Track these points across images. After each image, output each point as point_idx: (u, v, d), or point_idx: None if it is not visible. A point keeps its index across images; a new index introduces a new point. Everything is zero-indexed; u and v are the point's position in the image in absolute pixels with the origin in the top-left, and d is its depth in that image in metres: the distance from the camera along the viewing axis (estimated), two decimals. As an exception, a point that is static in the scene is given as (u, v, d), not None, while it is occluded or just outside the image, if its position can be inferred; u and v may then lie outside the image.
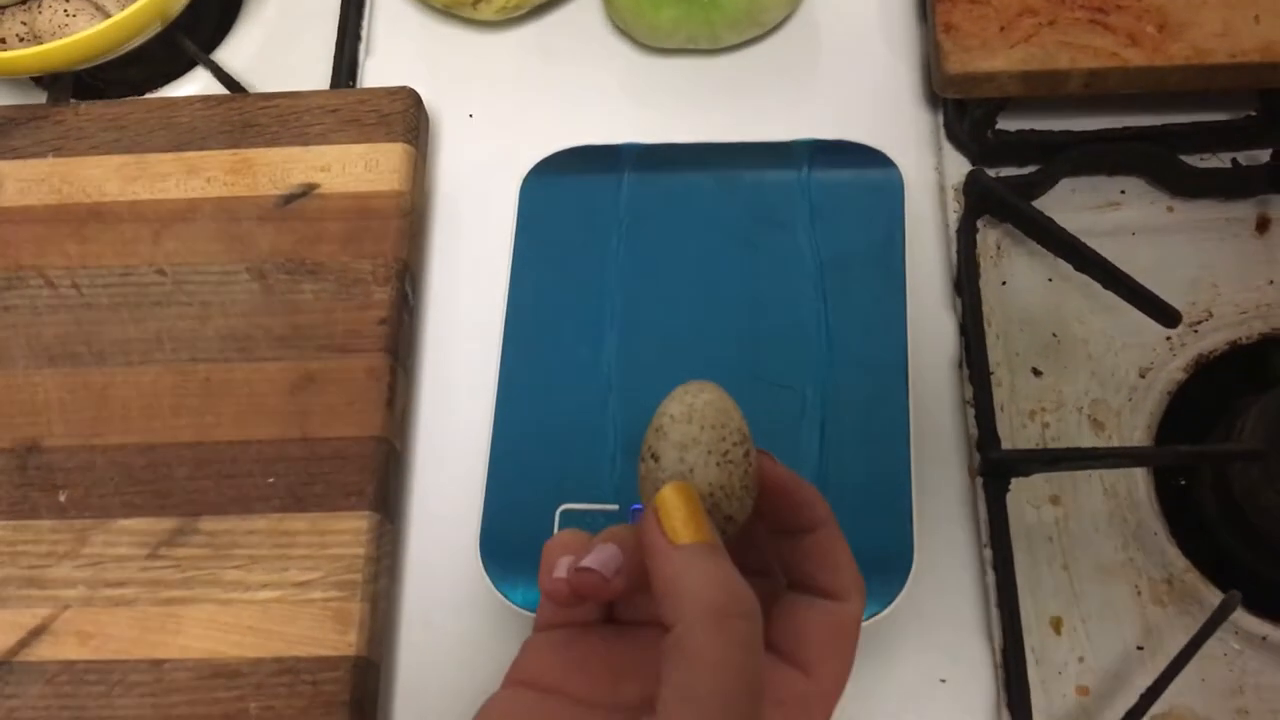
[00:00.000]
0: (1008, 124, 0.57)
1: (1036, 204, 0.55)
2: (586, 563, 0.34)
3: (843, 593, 0.35)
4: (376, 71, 0.63)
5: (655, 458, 0.34)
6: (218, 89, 0.62)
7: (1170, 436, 0.52)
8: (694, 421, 0.34)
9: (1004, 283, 0.55)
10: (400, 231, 0.55)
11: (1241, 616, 0.48)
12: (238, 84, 0.62)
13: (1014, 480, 0.51)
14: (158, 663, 0.48)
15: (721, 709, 0.30)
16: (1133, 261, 0.52)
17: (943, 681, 0.49)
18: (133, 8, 0.57)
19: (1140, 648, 0.49)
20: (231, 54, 0.64)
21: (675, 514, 0.32)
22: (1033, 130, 0.57)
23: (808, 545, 0.36)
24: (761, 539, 0.37)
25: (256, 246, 0.55)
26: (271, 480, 0.50)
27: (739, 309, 0.54)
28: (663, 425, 0.34)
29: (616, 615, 0.38)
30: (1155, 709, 0.46)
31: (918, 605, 0.50)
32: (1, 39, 0.59)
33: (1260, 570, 0.49)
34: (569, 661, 0.36)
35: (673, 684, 0.30)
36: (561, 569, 0.34)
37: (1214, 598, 0.48)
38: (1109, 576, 0.50)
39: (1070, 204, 0.56)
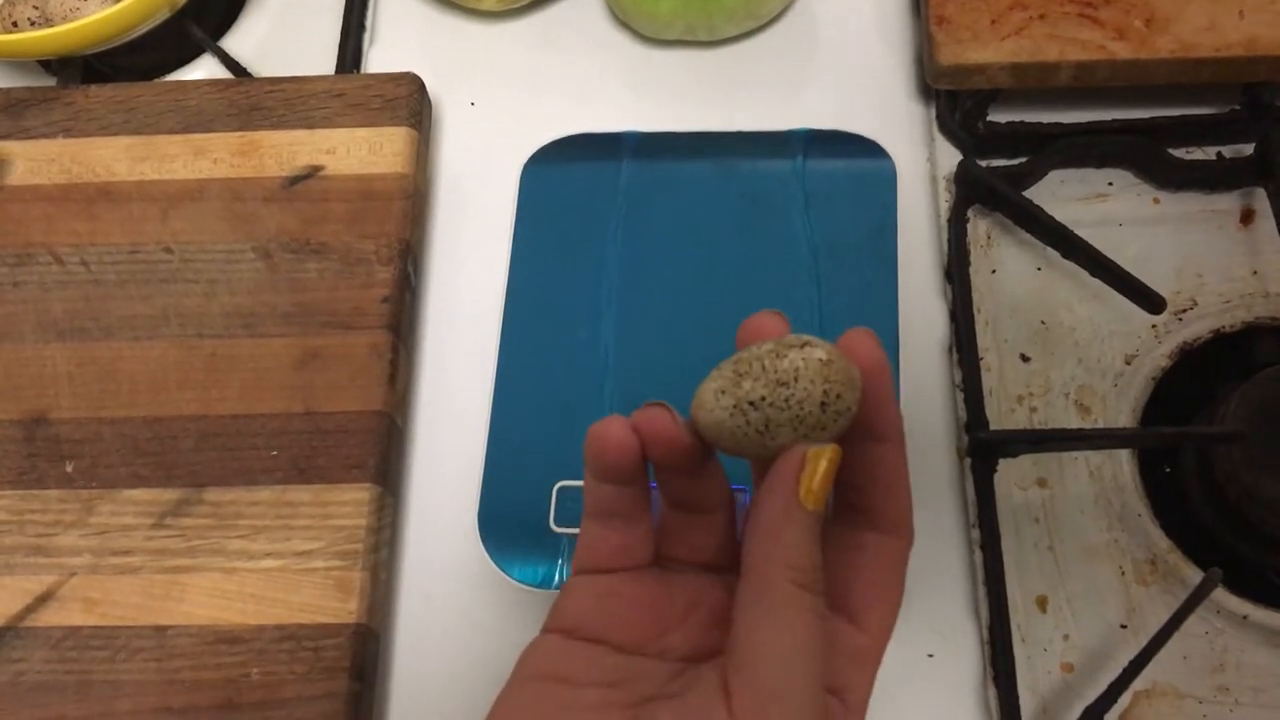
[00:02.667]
0: (998, 116, 0.58)
1: (1026, 195, 0.56)
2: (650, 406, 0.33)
3: (894, 523, 0.34)
4: (380, 61, 0.64)
5: (759, 406, 0.31)
6: (224, 76, 0.63)
7: (1155, 422, 0.53)
8: (804, 393, 0.31)
9: (994, 271, 0.56)
10: (403, 213, 0.56)
11: (1223, 596, 0.49)
12: (244, 71, 0.63)
13: (1001, 462, 0.52)
14: (162, 629, 0.49)
15: (803, 665, 0.30)
16: (1119, 252, 0.54)
17: (930, 656, 0.50)
18: (142, -7, 0.58)
19: (1124, 626, 0.49)
20: (238, 42, 0.65)
21: (819, 478, 0.31)
22: (1023, 122, 0.58)
23: (872, 457, 0.33)
24: None
25: (262, 226, 0.56)
26: (275, 453, 0.51)
27: (734, 293, 0.54)
28: (783, 379, 0.31)
29: (662, 559, 0.36)
30: (1138, 685, 0.47)
31: (907, 583, 0.50)
32: (14, 22, 0.60)
33: (1242, 551, 0.50)
34: (612, 611, 0.35)
35: (752, 635, 0.31)
36: (618, 427, 0.33)
37: (1197, 577, 0.49)
38: (1094, 557, 0.51)
39: (1059, 195, 0.57)
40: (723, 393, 0.31)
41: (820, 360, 0.31)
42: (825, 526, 0.34)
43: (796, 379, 0.31)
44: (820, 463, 0.31)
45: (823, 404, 0.31)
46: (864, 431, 0.33)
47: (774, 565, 0.31)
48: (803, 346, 0.31)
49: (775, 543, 0.31)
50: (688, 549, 0.36)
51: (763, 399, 0.31)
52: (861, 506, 0.34)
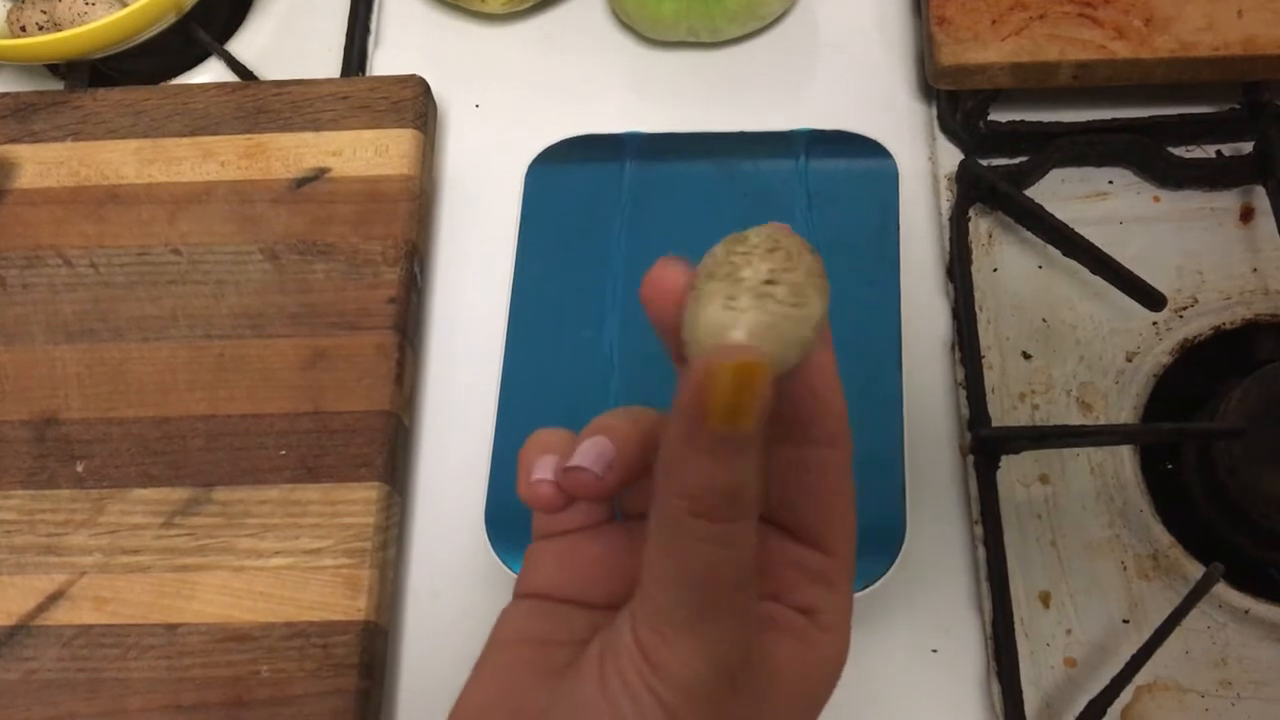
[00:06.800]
0: (999, 115, 0.58)
1: (1027, 193, 0.57)
2: (576, 460, 0.31)
3: (830, 435, 0.31)
4: (385, 63, 0.65)
5: (778, 279, 0.27)
6: (230, 79, 0.64)
7: (1156, 418, 0.53)
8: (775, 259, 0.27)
9: (995, 269, 0.57)
10: (409, 214, 0.56)
11: (1224, 591, 0.49)
12: (250, 74, 0.64)
13: (1004, 459, 0.52)
14: (172, 627, 0.49)
15: (697, 596, 0.28)
16: (1120, 250, 0.54)
17: (934, 652, 0.50)
18: (149, -3, 0.59)
19: (1126, 621, 0.50)
20: (244, 45, 0.66)
21: (726, 391, 0.26)
22: (1023, 121, 0.58)
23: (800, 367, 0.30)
24: None
25: (269, 228, 0.56)
26: (283, 452, 0.52)
27: (737, 293, 0.55)
28: (734, 260, 0.27)
29: (621, 509, 0.35)
30: (1140, 680, 0.48)
31: (910, 579, 0.51)
32: (22, 26, 0.61)
33: (1243, 545, 0.50)
34: (577, 570, 0.34)
35: (649, 564, 0.28)
36: (544, 469, 0.32)
37: (1198, 572, 0.49)
38: (1096, 552, 0.51)
39: (1059, 194, 0.58)
40: (733, 298, 0.27)
41: (768, 224, 0.29)
42: (772, 448, 0.32)
43: (777, 240, 0.28)
44: (723, 376, 0.26)
45: (810, 251, 0.28)
46: None
47: (669, 495, 0.27)
48: (743, 230, 0.28)
49: (673, 470, 0.27)
50: (647, 501, 0.34)
51: (773, 270, 0.27)
52: (798, 420, 0.31)
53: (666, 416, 0.29)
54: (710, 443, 0.26)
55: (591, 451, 0.31)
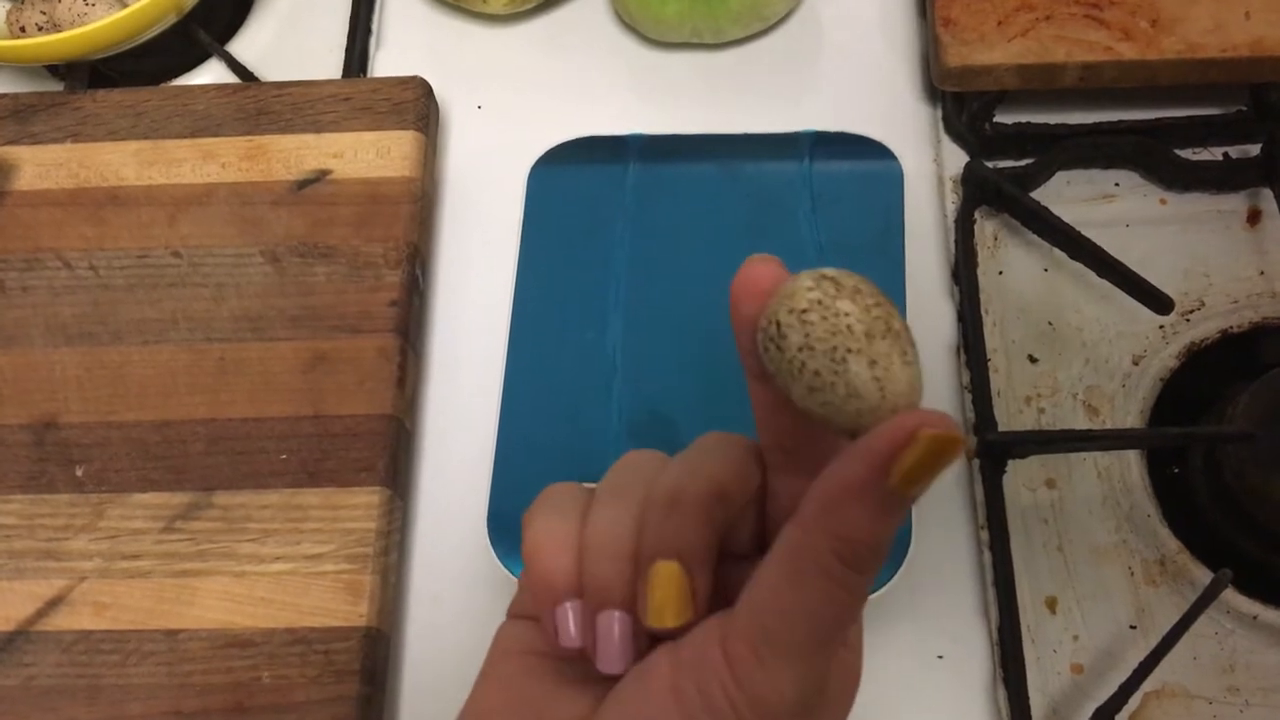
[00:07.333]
0: (1005, 117, 0.58)
1: (1033, 195, 0.56)
2: (601, 665, 0.31)
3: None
4: (386, 64, 0.64)
5: (841, 358, 0.26)
6: (231, 80, 0.63)
7: (1163, 422, 0.53)
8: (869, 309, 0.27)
9: (1001, 272, 0.56)
10: (411, 216, 0.56)
11: (1232, 596, 0.49)
12: (251, 75, 0.64)
13: (1010, 463, 0.52)
14: (172, 633, 0.49)
15: (812, 629, 0.28)
16: (1126, 253, 0.54)
17: (940, 658, 0.50)
18: (150, -2, 0.58)
19: (1133, 627, 0.49)
20: (244, 46, 0.65)
21: (919, 458, 0.25)
22: (1029, 123, 0.58)
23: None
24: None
25: (270, 230, 0.56)
26: (284, 456, 0.51)
27: (741, 296, 0.55)
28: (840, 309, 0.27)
29: None
30: (1148, 686, 0.47)
31: (916, 584, 0.50)
32: (21, 27, 0.61)
33: (1250, 551, 0.50)
34: None
35: (769, 586, 0.29)
36: (566, 625, 0.31)
37: (1206, 578, 0.49)
38: (1103, 557, 0.51)
39: (1065, 196, 0.57)
40: (905, 353, 0.27)
41: (825, 272, 0.28)
42: (781, 477, 0.32)
43: (867, 283, 0.28)
44: (926, 444, 0.25)
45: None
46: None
47: (820, 533, 0.27)
48: (821, 294, 0.27)
49: (832, 512, 0.27)
50: None
51: (896, 315, 0.28)
52: (807, 451, 0.32)
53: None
54: (883, 498, 0.27)
55: (612, 650, 0.31)
